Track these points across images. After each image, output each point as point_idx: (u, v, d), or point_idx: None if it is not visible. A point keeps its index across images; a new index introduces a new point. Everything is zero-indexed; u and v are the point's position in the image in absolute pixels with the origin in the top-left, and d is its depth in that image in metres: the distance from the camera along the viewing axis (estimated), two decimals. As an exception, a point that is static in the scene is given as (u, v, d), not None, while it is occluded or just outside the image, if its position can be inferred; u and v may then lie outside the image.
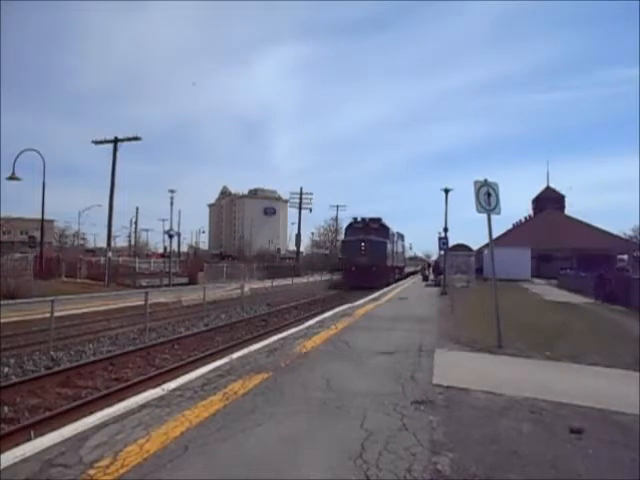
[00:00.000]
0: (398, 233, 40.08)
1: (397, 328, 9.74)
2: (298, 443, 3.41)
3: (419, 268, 60.57)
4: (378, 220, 33.43)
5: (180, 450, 3.20)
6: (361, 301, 16.93)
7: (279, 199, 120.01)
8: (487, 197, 8.33)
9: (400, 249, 41.30)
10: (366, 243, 30.38)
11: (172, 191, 39.01)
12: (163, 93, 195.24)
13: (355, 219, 34.49)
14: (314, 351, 7.05)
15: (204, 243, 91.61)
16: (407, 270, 51.30)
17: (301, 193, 59.18)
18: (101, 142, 30.42)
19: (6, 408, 6.33)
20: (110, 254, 31.11)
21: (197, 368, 6.16)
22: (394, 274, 35.62)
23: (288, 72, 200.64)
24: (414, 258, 70.89)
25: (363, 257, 29.86)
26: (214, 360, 6.77)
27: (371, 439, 3.46)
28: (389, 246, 32.72)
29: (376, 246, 30.41)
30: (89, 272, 30.58)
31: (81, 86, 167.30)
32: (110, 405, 4.42)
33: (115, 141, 30.02)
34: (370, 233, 31.44)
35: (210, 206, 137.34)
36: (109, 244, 32.16)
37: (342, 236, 42.94)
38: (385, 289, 25.31)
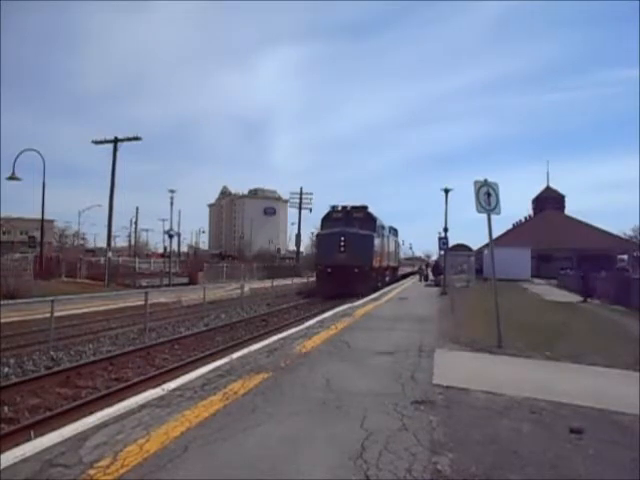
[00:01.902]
0: (391, 227, 33.53)
1: (397, 328, 9.74)
2: (298, 443, 3.40)
3: (416, 269, 59.27)
4: (363, 208, 26.00)
5: (180, 450, 3.20)
6: (361, 301, 16.94)
7: (279, 199, 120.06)
8: (487, 197, 8.34)
9: (392, 246, 33.80)
10: (346, 237, 23.32)
11: (172, 191, 39.19)
12: (163, 93, 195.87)
13: (334, 207, 26.84)
14: (314, 351, 7.05)
15: (204, 243, 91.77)
16: (403, 271, 45.08)
17: (301, 193, 59.18)
18: (101, 142, 30.46)
19: (6, 408, 6.32)
20: (110, 254, 31.13)
21: (197, 368, 6.16)
22: (384, 277, 28.76)
23: (288, 73, 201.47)
24: (412, 258, 66.95)
25: (342, 255, 23.06)
26: (214, 360, 6.78)
27: (371, 439, 3.46)
28: (377, 241, 25.51)
29: (359, 241, 23.43)
30: (89, 272, 30.60)
31: (81, 86, 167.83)
32: (110, 405, 4.42)
33: (115, 141, 30.04)
34: (352, 225, 24.35)
35: (210, 206, 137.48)
36: (109, 244, 32.18)
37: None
38: (385, 289, 25.13)
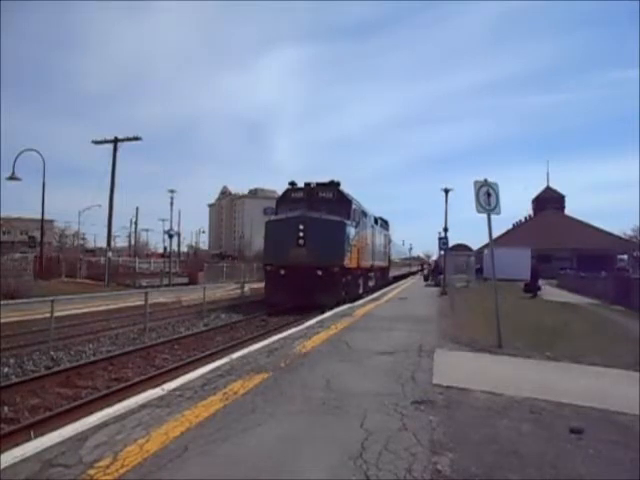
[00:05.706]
0: (379, 218, 26.29)
1: (397, 328, 9.74)
2: (298, 443, 3.41)
3: (414, 270, 58.20)
4: (333, 186, 18.62)
5: (180, 450, 3.20)
6: (361, 301, 16.93)
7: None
8: (487, 197, 8.35)
9: (380, 240, 25.99)
10: (307, 225, 16.76)
11: (172, 191, 39.30)
12: (164, 94, 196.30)
13: (292, 184, 19.22)
14: (314, 351, 7.05)
15: (204, 243, 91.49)
16: (397, 272, 37.92)
17: (301, 193, 58.91)
18: (101, 142, 30.48)
19: (6, 408, 6.31)
20: (110, 254, 31.15)
21: (197, 368, 6.16)
22: (365, 280, 21.33)
23: (289, 73, 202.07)
24: (411, 258, 63.21)
25: (301, 251, 16.63)
26: (214, 360, 6.77)
27: (371, 439, 3.46)
28: (352, 231, 18.27)
29: (326, 231, 16.81)
30: (89, 272, 30.63)
31: (81, 86, 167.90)
32: (110, 405, 4.42)
33: (115, 141, 30.05)
34: (316, 208, 17.57)
35: (210, 206, 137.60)
36: (109, 244, 32.18)
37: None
38: (385, 288, 24.93)
